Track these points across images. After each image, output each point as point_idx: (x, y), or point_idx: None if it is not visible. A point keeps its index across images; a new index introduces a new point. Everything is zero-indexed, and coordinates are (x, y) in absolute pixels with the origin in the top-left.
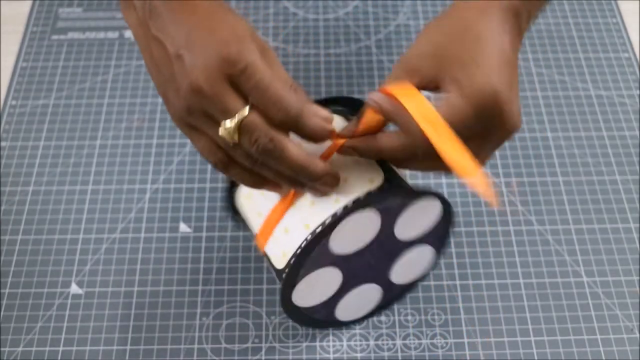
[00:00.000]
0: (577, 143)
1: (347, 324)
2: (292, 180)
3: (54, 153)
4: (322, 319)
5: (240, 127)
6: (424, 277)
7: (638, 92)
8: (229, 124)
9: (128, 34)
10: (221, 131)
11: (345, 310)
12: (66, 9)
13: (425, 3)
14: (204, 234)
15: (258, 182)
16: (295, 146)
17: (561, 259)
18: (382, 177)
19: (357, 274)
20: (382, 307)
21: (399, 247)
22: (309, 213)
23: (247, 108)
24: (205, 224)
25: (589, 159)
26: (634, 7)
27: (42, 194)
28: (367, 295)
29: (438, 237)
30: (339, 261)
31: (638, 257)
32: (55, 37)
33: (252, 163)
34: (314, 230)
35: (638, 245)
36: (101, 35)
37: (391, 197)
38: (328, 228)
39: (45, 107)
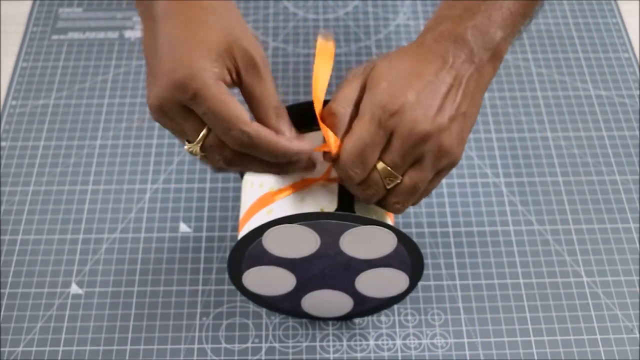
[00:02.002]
0: (577, 143)
1: (324, 319)
2: (266, 171)
3: (54, 153)
4: (289, 309)
5: (203, 147)
6: (402, 297)
7: (638, 92)
8: (187, 145)
9: (128, 34)
10: (186, 147)
11: (313, 307)
12: (66, 9)
13: (425, 3)
14: (204, 234)
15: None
16: (266, 135)
17: (561, 259)
18: (335, 206)
19: (314, 279)
20: (361, 313)
21: (357, 264)
22: (259, 221)
23: (204, 131)
24: (205, 224)
25: (589, 159)
26: (634, 7)
27: (42, 194)
28: (335, 300)
29: (405, 264)
30: (285, 263)
31: (638, 257)
32: (55, 37)
33: (223, 169)
34: (245, 234)
35: (638, 245)
36: (101, 35)
37: (322, 219)
38: (253, 234)
39: (45, 107)
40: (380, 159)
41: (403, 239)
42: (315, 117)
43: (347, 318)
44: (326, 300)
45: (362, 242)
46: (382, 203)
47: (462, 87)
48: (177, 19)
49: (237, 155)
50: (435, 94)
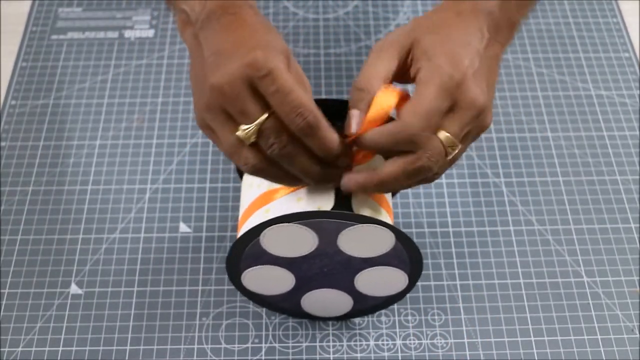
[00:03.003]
0: (577, 143)
1: (324, 319)
2: (299, 180)
3: (54, 153)
4: (289, 308)
5: (259, 131)
6: (402, 296)
7: (638, 92)
8: (245, 126)
9: (128, 33)
10: (239, 132)
11: (313, 307)
12: (66, 8)
13: (425, 3)
14: (204, 234)
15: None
16: (326, 135)
17: (561, 259)
18: (332, 204)
19: (313, 278)
20: (361, 312)
21: (356, 263)
22: (255, 219)
23: (265, 114)
24: (205, 224)
25: (589, 159)
26: (634, 7)
27: (41, 194)
28: (335, 299)
29: (404, 262)
30: (284, 263)
31: (638, 257)
32: (55, 36)
33: (258, 170)
34: (243, 234)
35: (638, 245)
36: (101, 35)
37: (318, 218)
38: (251, 234)
39: (45, 107)
40: (442, 128)
41: (401, 237)
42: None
43: (346, 317)
44: (326, 300)
45: (360, 240)
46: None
47: (498, 64)
48: (245, 24)
49: (291, 143)
50: (485, 69)
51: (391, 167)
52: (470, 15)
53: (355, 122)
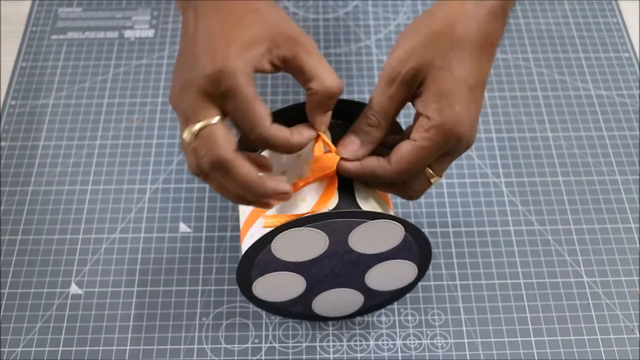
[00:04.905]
0: (577, 143)
1: (334, 319)
2: (236, 197)
3: (54, 153)
4: (300, 312)
5: (199, 134)
6: (412, 287)
7: (638, 91)
8: (195, 128)
9: (128, 33)
10: (185, 134)
11: (324, 308)
12: (66, 8)
13: (425, 3)
14: (204, 234)
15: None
16: (247, 166)
17: (561, 259)
18: (336, 201)
19: (324, 279)
20: (372, 308)
21: (366, 260)
22: (259, 226)
23: (213, 119)
24: (205, 224)
25: (589, 159)
26: (634, 7)
27: (42, 194)
28: (346, 298)
29: (414, 253)
30: (295, 267)
31: (638, 257)
32: (55, 37)
33: (198, 173)
34: (254, 243)
35: (638, 245)
36: (101, 35)
37: (330, 219)
38: (261, 242)
39: (45, 107)
40: (431, 167)
41: (410, 228)
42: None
43: (357, 315)
44: (337, 300)
45: (371, 237)
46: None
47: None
48: (217, 15)
49: (214, 165)
50: (480, 104)
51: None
52: (483, 40)
53: (351, 149)
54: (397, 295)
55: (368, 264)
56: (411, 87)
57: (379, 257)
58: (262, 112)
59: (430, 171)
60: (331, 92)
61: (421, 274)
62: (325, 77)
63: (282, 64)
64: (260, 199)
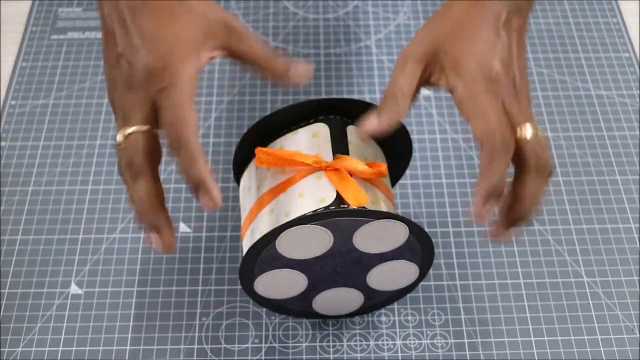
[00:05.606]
0: (577, 143)
1: (333, 318)
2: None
3: (54, 153)
4: (300, 310)
5: (129, 137)
6: (412, 288)
7: (638, 91)
8: (128, 131)
9: None
10: (118, 135)
11: (324, 306)
12: (66, 8)
13: (425, 3)
14: (204, 234)
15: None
16: (151, 186)
17: (561, 259)
18: (334, 197)
19: (326, 278)
20: (371, 308)
21: (369, 259)
22: (263, 222)
23: (144, 127)
24: (205, 224)
25: (589, 159)
26: (634, 7)
27: (41, 194)
28: (346, 297)
29: (416, 254)
30: (298, 265)
31: (638, 257)
32: (54, 36)
33: (122, 172)
34: (258, 240)
35: (638, 245)
36: (101, 34)
37: (336, 217)
38: (266, 239)
39: (45, 107)
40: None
41: (414, 229)
42: (310, 115)
43: (356, 314)
44: (337, 299)
45: (375, 236)
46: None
47: (523, 35)
48: (149, 14)
49: (129, 166)
50: (514, 49)
51: (526, 190)
52: (484, 2)
53: (371, 122)
54: (396, 295)
55: (370, 264)
56: (424, 64)
57: (381, 257)
58: (193, 119)
59: (525, 126)
60: (262, 58)
61: (422, 276)
62: (260, 54)
63: (221, 53)
64: (145, 224)
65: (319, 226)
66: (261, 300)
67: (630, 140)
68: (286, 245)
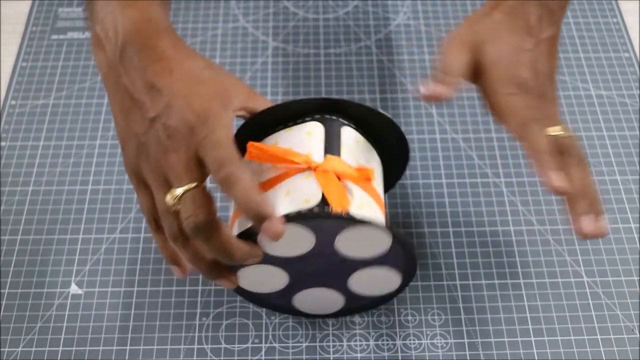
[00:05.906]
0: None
1: (314, 317)
2: (208, 266)
3: (54, 153)
4: (279, 304)
5: (183, 197)
6: (395, 295)
7: (638, 91)
8: (178, 192)
9: None
10: (168, 197)
11: (304, 304)
12: (66, 8)
13: (425, 3)
14: None
15: (171, 257)
16: (227, 229)
17: (561, 259)
18: (319, 198)
19: (307, 277)
20: (350, 311)
21: (351, 263)
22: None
23: (194, 183)
24: None
25: (589, 159)
26: (634, 7)
27: (41, 194)
28: (327, 297)
29: (399, 263)
30: (279, 262)
31: (638, 257)
32: (55, 36)
33: (177, 237)
34: (239, 234)
35: (638, 245)
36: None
37: (315, 219)
38: (247, 233)
39: (45, 107)
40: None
41: (398, 238)
42: (307, 113)
43: (336, 316)
44: (317, 298)
45: (358, 241)
46: None
47: (555, 45)
48: (172, 75)
49: (199, 226)
50: (544, 55)
51: (577, 179)
52: (520, 9)
53: (426, 86)
54: (378, 301)
55: (352, 267)
56: (467, 49)
57: (364, 262)
58: (238, 156)
59: (551, 129)
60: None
61: (404, 284)
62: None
63: (243, 113)
64: (235, 262)
65: (301, 226)
66: (241, 292)
67: (630, 140)
68: (268, 242)
